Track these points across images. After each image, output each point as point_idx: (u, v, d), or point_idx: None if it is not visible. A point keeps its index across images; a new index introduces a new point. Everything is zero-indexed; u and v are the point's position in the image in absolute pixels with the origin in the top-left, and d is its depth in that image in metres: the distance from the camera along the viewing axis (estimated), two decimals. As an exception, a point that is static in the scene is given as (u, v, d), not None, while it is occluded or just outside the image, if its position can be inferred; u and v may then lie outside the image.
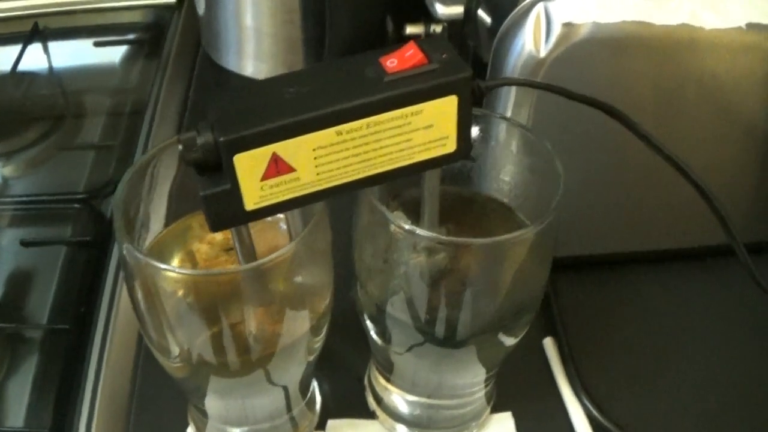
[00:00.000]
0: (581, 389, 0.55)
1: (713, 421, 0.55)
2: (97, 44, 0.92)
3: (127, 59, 0.91)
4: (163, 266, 0.38)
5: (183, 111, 0.79)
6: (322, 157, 0.36)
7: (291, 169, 0.36)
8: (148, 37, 0.93)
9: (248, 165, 0.35)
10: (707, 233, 0.60)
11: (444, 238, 0.39)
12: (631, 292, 0.63)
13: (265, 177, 0.35)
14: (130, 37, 0.94)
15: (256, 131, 0.34)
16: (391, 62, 0.36)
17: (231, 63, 0.73)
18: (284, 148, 0.35)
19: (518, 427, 0.54)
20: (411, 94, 0.35)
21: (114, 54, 0.92)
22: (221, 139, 0.34)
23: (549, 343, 0.58)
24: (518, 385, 0.55)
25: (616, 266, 0.64)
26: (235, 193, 0.35)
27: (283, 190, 0.36)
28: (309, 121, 0.34)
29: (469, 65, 0.36)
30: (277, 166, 0.35)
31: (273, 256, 0.37)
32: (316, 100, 0.35)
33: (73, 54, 0.93)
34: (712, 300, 0.63)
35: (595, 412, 0.54)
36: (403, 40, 0.66)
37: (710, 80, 0.53)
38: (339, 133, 0.35)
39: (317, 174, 0.36)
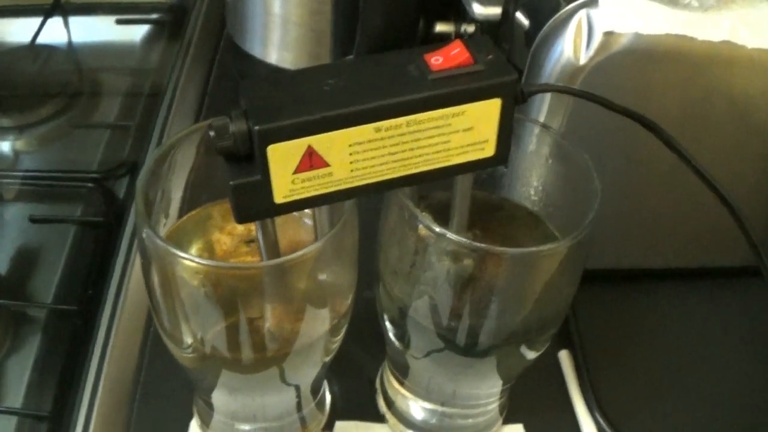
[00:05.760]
0: (595, 405, 0.54)
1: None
2: (119, 22, 0.90)
3: (149, 39, 0.90)
4: (183, 255, 0.36)
5: (203, 96, 0.78)
6: (358, 154, 0.34)
7: (325, 164, 0.34)
8: (171, 18, 0.92)
9: (282, 157, 0.33)
10: (728, 253, 0.60)
11: (478, 245, 0.38)
12: (649, 309, 0.62)
13: (297, 170, 0.34)
14: (153, 16, 0.92)
15: (293, 122, 0.33)
16: (436, 60, 0.35)
17: (255, 50, 0.72)
18: (320, 142, 0.34)
19: (529, 440, 0.53)
20: (456, 94, 0.34)
21: (135, 33, 0.90)
22: (256, 128, 0.33)
23: (564, 356, 0.57)
24: (531, 397, 0.54)
25: (636, 282, 0.63)
26: (265, 184, 0.34)
27: (314, 185, 0.35)
28: (349, 116, 0.33)
29: (513, 68, 0.35)
30: (311, 160, 0.34)
31: (299, 253, 0.36)
32: (356, 95, 0.34)
33: (93, 30, 0.92)
34: (731, 319, 0.62)
35: (608, 429, 0.53)
36: (432, 38, 0.66)
37: (742, 99, 0.52)
38: (378, 130, 0.34)
39: (351, 171, 0.35)
